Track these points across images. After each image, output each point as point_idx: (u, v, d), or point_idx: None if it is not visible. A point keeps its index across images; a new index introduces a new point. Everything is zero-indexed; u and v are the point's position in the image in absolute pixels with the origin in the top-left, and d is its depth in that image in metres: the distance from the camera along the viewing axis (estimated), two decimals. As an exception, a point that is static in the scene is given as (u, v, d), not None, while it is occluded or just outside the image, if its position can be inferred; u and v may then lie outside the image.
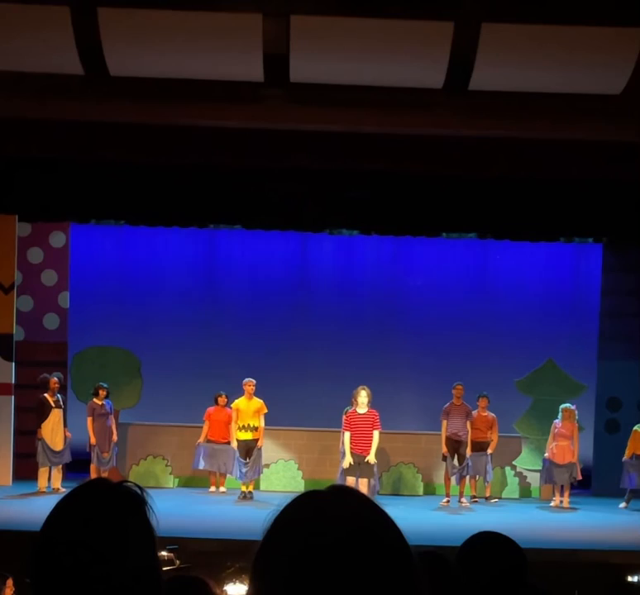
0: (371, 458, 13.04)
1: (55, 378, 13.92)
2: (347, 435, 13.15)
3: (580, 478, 13.86)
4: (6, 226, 14.43)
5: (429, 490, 14.93)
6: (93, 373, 14.79)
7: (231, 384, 14.24)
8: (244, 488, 13.86)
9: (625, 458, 14.10)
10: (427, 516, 12.75)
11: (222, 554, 9.10)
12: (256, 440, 13.87)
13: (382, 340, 16.14)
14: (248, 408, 13.88)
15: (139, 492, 1.75)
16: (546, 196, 12.91)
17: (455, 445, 13.83)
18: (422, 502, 14.18)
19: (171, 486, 14.88)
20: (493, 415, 14.20)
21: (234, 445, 13.89)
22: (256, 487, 14.26)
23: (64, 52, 10.72)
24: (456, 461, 13.84)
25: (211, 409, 14.36)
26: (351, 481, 12.73)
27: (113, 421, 14.20)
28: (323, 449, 14.77)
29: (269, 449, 14.52)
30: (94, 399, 13.99)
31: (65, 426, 13.92)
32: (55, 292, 15.39)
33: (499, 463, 14.51)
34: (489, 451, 14.08)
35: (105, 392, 14.03)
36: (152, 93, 11.32)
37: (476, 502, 14.03)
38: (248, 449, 13.82)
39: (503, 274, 16.51)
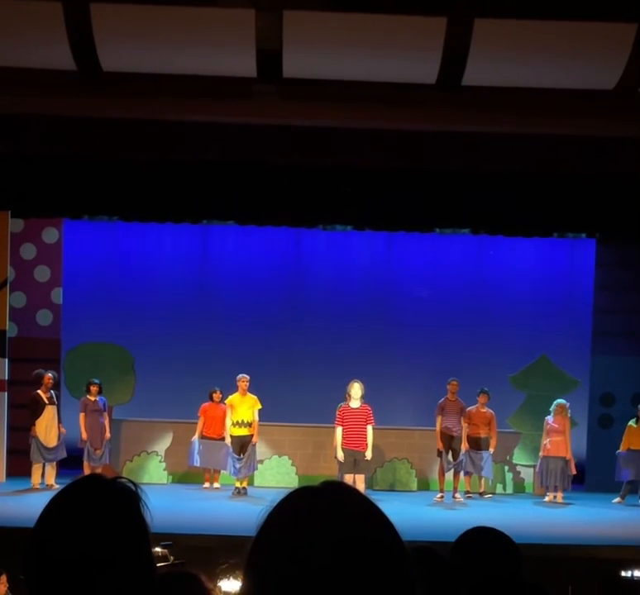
0: (368, 454, 13.01)
1: (50, 375, 13.88)
2: (339, 430, 13.12)
3: (574, 472, 13.88)
4: (-2, 222, 14.40)
5: (423, 485, 14.94)
6: (87, 370, 14.76)
7: (225, 380, 14.23)
8: (238, 484, 13.85)
9: (619, 451, 14.14)
10: (421, 512, 12.76)
11: (216, 550, 9.08)
12: (250, 436, 13.86)
13: (376, 335, 16.13)
14: (242, 404, 13.87)
15: (133, 488, 1.75)
16: (540, 191, 12.90)
17: (448, 441, 13.83)
18: (416, 497, 14.21)
19: (165, 482, 14.88)
20: (491, 412, 14.16)
21: (228, 440, 13.88)
22: (250, 483, 14.25)
23: (56, 47, 10.69)
24: (450, 456, 13.84)
25: (206, 405, 14.34)
26: (348, 478, 12.70)
27: (107, 418, 14.17)
28: (317, 445, 14.77)
29: (263, 445, 14.52)
30: (88, 395, 13.98)
31: (59, 422, 13.90)
32: (48, 288, 15.36)
33: (493, 458, 14.50)
34: (491, 450, 14.07)
35: (96, 388, 14.01)
36: (145, 89, 11.30)
37: (470, 497, 14.04)
38: (242, 445, 13.81)
39: (497, 270, 16.51)
